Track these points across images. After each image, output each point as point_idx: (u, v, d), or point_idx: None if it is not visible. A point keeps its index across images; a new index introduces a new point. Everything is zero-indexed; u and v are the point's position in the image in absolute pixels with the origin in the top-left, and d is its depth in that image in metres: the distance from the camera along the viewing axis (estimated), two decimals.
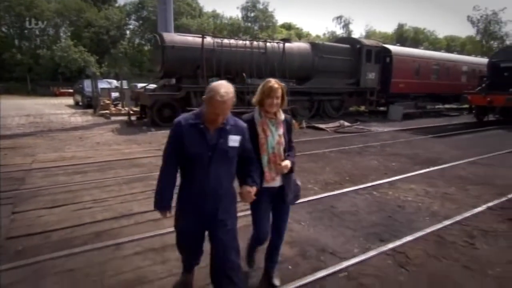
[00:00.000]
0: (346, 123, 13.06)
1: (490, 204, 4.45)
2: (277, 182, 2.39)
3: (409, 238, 3.44)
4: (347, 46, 16.04)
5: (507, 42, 37.66)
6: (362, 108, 18.18)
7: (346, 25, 55.44)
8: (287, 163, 2.35)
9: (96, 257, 2.97)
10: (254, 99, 2.37)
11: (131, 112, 13.45)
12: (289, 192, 2.43)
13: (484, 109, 15.27)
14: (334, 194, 4.86)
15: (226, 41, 12.50)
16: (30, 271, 2.75)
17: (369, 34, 58.90)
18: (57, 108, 19.28)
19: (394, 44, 21.53)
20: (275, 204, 2.50)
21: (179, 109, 11.95)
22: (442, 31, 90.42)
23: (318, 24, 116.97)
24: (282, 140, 2.37)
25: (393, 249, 3.21)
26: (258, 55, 12.75)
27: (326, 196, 4.74)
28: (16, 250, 3.09)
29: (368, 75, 16.22)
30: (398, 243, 3.33)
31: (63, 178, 5.48)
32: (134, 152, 7.65)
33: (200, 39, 11.72)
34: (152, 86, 13.75)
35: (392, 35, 59.95)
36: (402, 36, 57.83)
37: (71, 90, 28.69)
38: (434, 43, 57.28)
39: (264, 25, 52.81)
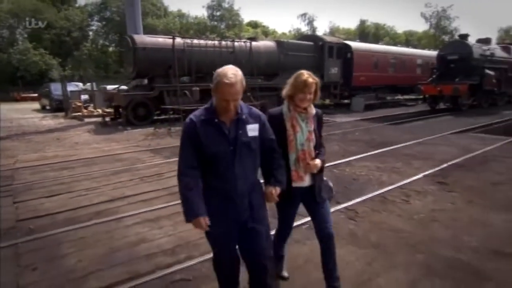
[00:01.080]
0: None
1: (426, 172, 5.40)
2: (306, 182, 2.22)
3: (358, 199, 4.27)
4: (311, 43, 17.02)
5: (456, 36, 40.61)
6: (327, 101, 19.28)
7: (310, 22, 57.01)
8: (317, 162, 2.17)
9: (102, 228, 3.54)
10: (284, 92, 2.19)
11: (104, 113, 13.68)
12: (320, 191, 2.26)
13: (435, 98, 16.79)
14: None
15: (196, 41, 13.05)
16: (47, 241, 3.29)
17: (333, 31, 60.83)
18: (24, 113, 18.96)
19: (356, 40, 22.85)
20: (307, 205, 2.33)
21: (153, 108, 12.40)
22: (401, 26, 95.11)
23: (284, 22, 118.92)
24: (313, 136, 2.20)
25: (345, 208, 4.01)
26: (226, 54, 13.39)
27: None
28: (29, 228, 3.60)
29: (331, 70, 17.29)
30: (349, 203, 4.14)
31: (52, 173, 5.89)
32: (114, 149, 8.08)
33: (170, 40, 12.19)
34: (123, 87, 14.03)
35: (354, 31, 62.30)
36: (364, 31, 60.23)
37: (35, 94, 27.92)
38: (394, 38, 60.16)
39: (230, 23, 53.24)
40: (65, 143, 9.12)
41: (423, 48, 32.75)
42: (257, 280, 2.02)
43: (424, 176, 5.25)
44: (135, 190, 4.75)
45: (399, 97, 23.35)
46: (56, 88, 19.88)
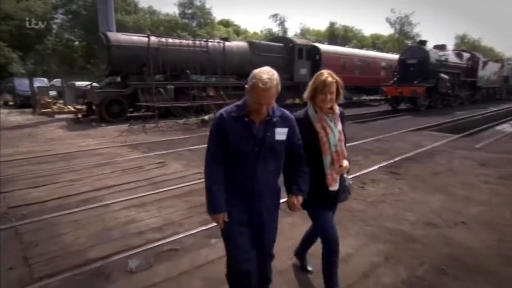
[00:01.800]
0: None
1: (381, 164, 6.13)
2: (337, 185, 2.18)
3: None
4: (281, 44, 17.71)
5: (417, 40, 43.17)
6: (297, 100, 20.06)
7: (281, 23, 58.02)
8: (346, 163, 2.13)
9: (93, 212, 3.90)
10: (305, 94, 2.15)
11: (76, 110, 13.61)
12: (342, 193, 2.23)
13: (396, 98, 18.00)
14: None
15: (170, 40, 13.32)
16: (43, 224, 3.62)
17: (303, 32, 62.18)
18: None
19: (325, 42, 23.87)
20: (333, 206, 2.31)
21: (127, 105, 12.55)
22: (368, 30, 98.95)
23: (255, 21, 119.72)
24: (342, 136, 2.16)
25: None
26: (200, 53, 13.75)
27: None
28: (22, 214, 3.89)
29: (301, 70, 18.07)
30: None
31: (31, 167, 6.07)
32: (90, 144, 8.27)
33: (145, 39, 12.42)
34: (95, 84, 14.03)
35: (324, 33, 64.04)
36: (333, 33, 62.04)
37: None
38: (361, 41, 62.43)
39: (202, 22, 53.13)
40: (38, 139, 9.15)
41: (388, 52, 34.56)
42: (259, 268, 2.04)
43: (379, 167, 5.97)
44: (119, 181, 5.09)
45: (365, 97, 24.64)
46: (20, 84, 19.32)
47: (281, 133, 1.88)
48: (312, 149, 2.07)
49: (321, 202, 2.18)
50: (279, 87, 1.79)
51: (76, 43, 44.36)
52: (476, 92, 23.63)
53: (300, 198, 1.99)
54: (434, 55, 18.39)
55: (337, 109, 2.16)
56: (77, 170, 5.77)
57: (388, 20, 48.02)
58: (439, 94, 18.30)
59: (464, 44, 53.99)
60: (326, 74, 2.07)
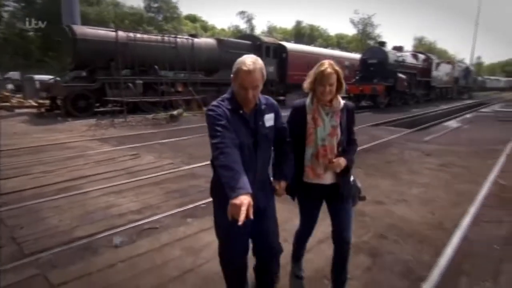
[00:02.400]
0: None
1: None
2: (326, 180, 2.09)
3: None
4: (249, 42, 18.11)
5: (379, 41, 45.30)
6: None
7: (249, 20, 58.43)
8: (340, 161, 2.00)
9: (73, 199, 4.12)
10: (305, 85, 2.06)
11: (38, 104, 13.23)
12: (345, 192, 2.11)
13: (358, 96, 19.02)
14: None
15: (139, 35, 13.30)
16: (24, 210, 3.79)
17: (271, 30, 62.90)
18: None
19: (292, 40, 24.55)
20: (329, 204, 2.21)
21: (94, 100, 12.43)
22: (333, 29, 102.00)
23: (223, 18, 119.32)
24: (338, 131, 2.04)
25: None
26: (169, 49, 13.83)
27: None
28: (1, 202, 4.02)
29: (268, 68, 18.36)
30: None
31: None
32: (59, 138, 8.24)
33: (112, 33, 12.32)
34: (58, 78, 13.72)
35: (291, 31, 65.17)
36: (300, 32, 63.31)
37: None
38: (327, 40, 64.21)
39: (168, 16, 52.25)
40: (0, 133, 8.93)
41: (352, 51, 36.01)
42: (264, 262, 2.07)
43: None
44: (94, 171, 5.28)
45: None
46: None
47: (269, 119, 1.90)
48: (300, 140, 2.05)
49: (304, 193, 2.16)
50: (264, 72, 1.78)
51: (31, 33, 42.06)
52: (430, 92, 25.40)
53: (283, 184, 1.97)
54: (392, 56, 19.61)
55: (338, 103, 2.05)
56: (49, 163, 5.86)
57: (351, 20, 49.96)
58: (397, 92, 19.56)
59: (421, 46, 57.24)
60: (326, 64, 1.96)
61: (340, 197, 2.11)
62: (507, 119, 14.59)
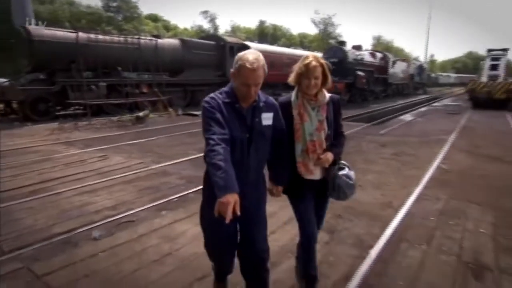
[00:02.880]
0: None
1: None
2: (316, 175, 2.08)
3: None
4: (213, 42, 18.28)
5: (339, 40, 46.99)
6: None
7: (212, 20, 58.22)
8: (328, 156, 2.01)
9: (46, 200, 4.19)
10: (290, 78, 2.04)
11: None
12: (334, 187, 2.08)
13: None
14: None
15: (100, 36, 13.07)
16: None
17: (234, 29, 63.06)
18: None
19: (256, 40, 24.94)
20: (316, 199, 2.17)
21: (54, 103, 12.10)
22: (296, 29, 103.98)
23: (185, 17, 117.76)
24: (324, 125, 2.02)
25: None
26: (132, 50, 13.72)
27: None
28: None
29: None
30: None
31: None
32: (20, 143, 8.02)
33: (72, 34, 12.05)
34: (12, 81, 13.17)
35: (254, 31, 65.70)
36: (263, 32, 64.00)
37: None
38: (290, 39, 65.39)
39: (128, 16, 50.90)
40: None
41: (314, 50, 37.10)
42: (251, 271, 2.00)
43: None
44: (64, 173, 5.32)
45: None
46: None
47: (267, 118, 1.88)
48: (288, 136, 2.02)
49: (296, 190, 2.11)
50: (266, 69, 1.78)
51: None
52: (388, 88, 26.89)
53: (280, 188, 2.04)
54: (351, 55, 20.60)
55: (324, 96, 2.04)
56: (16, 167, 5.79)
57: (312, 20, 51.25)
58: (357, 89, 20.58)
59: (379, 45, 59.94)
60: (310, 57, 1.96)
61: (329, 191, 2.10)
62: (454, 112, 15.91)
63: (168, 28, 57.93)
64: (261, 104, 1.87)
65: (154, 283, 2.48)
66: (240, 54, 1.78)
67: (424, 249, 2.95)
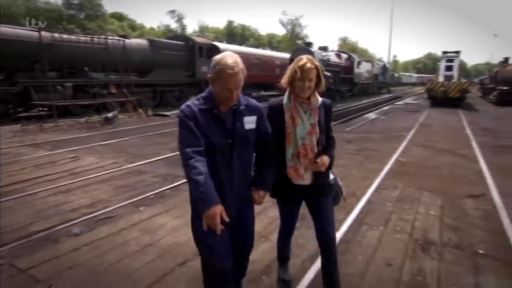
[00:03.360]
0: None
1: None
2: (306, 180, 2.04)
3: None
4: (182, 43, 18.26)
5: (307, 41, 48.11)
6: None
7: (179, 20, 57.56)
8: (324, 160, 1.97)
9: (21, 201, 4.18)
10: (283, 80, 1.99)
11: None
12: (325, 190, 2.09)
13: None
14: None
15: (65, 36, 12.74)
16: None
17: (202, 29, 62.69)
18: None
19: (224, 40, 25.07)
20: (309, 205, 2.15)
21: (15, 105, 11.68)
22: (264, 29, 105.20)
23: (152, 17, 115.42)
24: (316, 129, 1.98)
25: None
26: (99, 51, 13.48)
27: (176, 154, 6.82)
28: None
29: (202, 68, 18.89)
30: None
31: None
32: None
33: (34, 33, 11.66)
34: None
35: (223, 31, 65.68)
36: (232, 32, 64.12)
37: None
38: (258, 39, 65.96)
39: (92, 14, 49.20)
40: None
41: (283, 51, 37.79)
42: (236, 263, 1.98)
43: None
44: (34, 175, 5.28)
45: (263, 93, 26.79)
46: None
47: (250, 122, 1.83)
48: (280, 140, 1.99)
49: (285, 195, 2.12)
50: (245, 71, 1.75)
51: None
52: (354, 87, 27.99)
53: (262, 193, 1.94)
54: (318, 56, 21.29)
55: (316, 100, 1.99)
56: None
57: (280, 21, 52.11)
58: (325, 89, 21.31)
59: (345, 46, 61.85)
60: (305, 59, 1.91)
61: (321, 195, 2.07)
62: (414, 110, 16.93)
63: (134, 28, 56.66)
64: (242, 107, 1.82)
65: (138, 270, 2.66)
66: (218, 57, 1.74)
67: (381, 230, 3.33)
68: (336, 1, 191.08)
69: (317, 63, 1.93)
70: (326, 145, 2.05)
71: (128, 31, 47.69)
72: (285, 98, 2.02)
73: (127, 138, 8.55)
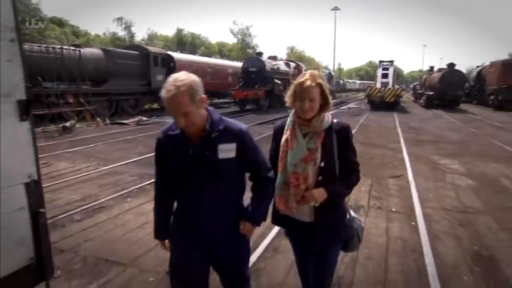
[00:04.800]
0: (144, 118, 15.76)
1: None
2: (302, 216, 1.75)
3: None
4: (136, 52, 18.58)
5: (257, 50, 49.90)
6: (155, 105, 21.18)
7: (128, 27, 56.41)
8: (314, 193, 1.64)
9: None
10: (286, 98, 1.75)
11: None
12: (325, 233, 1.73)
13: (243, 100, 21.38)
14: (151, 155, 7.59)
15: None
16: None
17: (151, 37, 61.84)
18: None
19: (174, 48, 25.52)
20: (309, 245, 1.80)
21: None
22: (214, 37, 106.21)
23: (96, 24, 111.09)
24: (316, 156, 1.66)
25: None
26: (54, 60, 13.46)
27: (146, 157, 7.43)
28: None
29: (157, 77, 19.31)
30: None
31: None
32: None
33: None
34: None
35: (172, 39, 65.31)
36: (181, 40, 63.99)
37: None
38: (208, 48, 66.53)
39: (28, 19, 46.41)
40: None
41: (234, 60, 38.97)
42: None
43: None
44: None
45: (216, 100, 27.63)
46: None
47: (226, 150, 1.57)
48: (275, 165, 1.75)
49: (288, 229, 1.91)
50: (197, 91, 1.48)
51: None
52: None
53: (248, 225, 1.70)
54: (269, 64, 22.62)
55: (321, 121, 1.69)
56: None
57: (231, 30, 53.28)
58: (275, 95, 22.66)
59: (293, 54, 64.73)
60: (307, 75, 1.67)
61: (323, 238, 1.73)
62: (356, 113, 18.80)
63: (77, 34, 54.44)
64: (215, 134, 1.56)
65: (142, 239, 3.38)
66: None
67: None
68: (283, 11, 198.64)
69: (321, 80, 1.66)
70: (340, 178, 1.71)
71: (72, 37, 45.77)
72: (289, 118, 1.78)
73: (93, 145, 8.92)
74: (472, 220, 3.86)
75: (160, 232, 1.79)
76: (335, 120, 1.76)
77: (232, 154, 1.59)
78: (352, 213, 1.87)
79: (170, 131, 1.64)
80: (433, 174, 5.86)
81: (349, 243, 1.82)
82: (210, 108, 1.64)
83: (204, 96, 1.53)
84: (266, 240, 3.30)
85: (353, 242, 1.83)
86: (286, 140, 1.72)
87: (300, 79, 1.68)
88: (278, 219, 1.87)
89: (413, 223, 3.73)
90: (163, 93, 1.45)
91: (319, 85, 1.65)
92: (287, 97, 1.73)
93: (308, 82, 1.64)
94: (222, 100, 28.03)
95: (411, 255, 3.04)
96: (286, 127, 1.77)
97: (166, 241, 1.79)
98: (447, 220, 3.84)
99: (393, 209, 4.13)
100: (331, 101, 1.71)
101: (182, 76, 1.48)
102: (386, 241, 3.32)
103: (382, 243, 3.29)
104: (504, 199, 4.60)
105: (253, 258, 2.90)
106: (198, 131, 1.56)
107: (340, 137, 1.73)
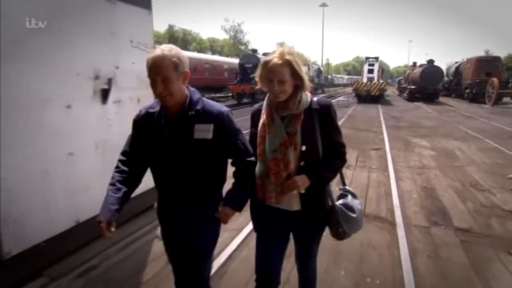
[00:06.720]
0: None
1: None
2: (287, 205, 1.59)
3: None
4: None
5: (249, 47, 51.21)
6: None
7: None
8: (297, 179, 1.48)
9: None
10: (257, 79, 1.56)
11: None
12: (314, 220, 1.63)
13: (240, 95, 22.94)
14: None
15: None
16: None
17: None
18: None
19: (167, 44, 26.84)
20: (295, 232, 1.71)
21: None
22: (205, 33, 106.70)
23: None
24: (296, 140, 1.50)
25: None
26: None
27: None
28: None
29: None
30: None
31: None
32: None
33: None
34: None
35: (164, 35, 65.85)
36: (173, 36, 64.62)
37: None
38: (200, 44, 67.31)
39: None
40: None
41: (227, 56, 40.37)
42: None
43: None
44: None
45: (214, 95, 29.11)
46: None
47: (202, 130, 1.48)
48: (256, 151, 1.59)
49: (260, 220, 1.72)
50: (183, 62, 1.42)
51: None
52: None
53: (227, 210, 1.56)
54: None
55: (298, 102, 1.52)
56: None
57: (223, 28, 54.52)
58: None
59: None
60: (276, 53, 1.47)
61: (312, 226, 1.67)
62: (345, 106, 20.60)
63: None
64: (192, 112, 1.49)
65: None
66: None
67: None
68: (272, 7, 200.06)
69: (289, 57, 1.46)
70: (323, 161, 1.56)
71: None
72: (265, 101, 1.63)
73: None
74: (426, 171, 5.63)
75: (104, 209, 1.47)
76: (314, 99, 1.59)
77: (208, 135, 1.48)
78: (340, 201, 1.70)
79: (150, 109, 1.58)
80: (405, 148, 7.63)
81: (335, 229, 1.67)
82: (192, 88, 1.57)
83: (187, 71, 1.47)
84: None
85: (338, 227, 1.65)
86: (264, 124, 1.57)
87: (267, 58, 1.51)
88: (256, 210, 1.71)
89: (386, 173, 5.46)
90: (149, 56, 1.40)
91: (288, 63, 1.45)
92: (257, 79, 1.57)
93: (275, 60, 1.45)
94: (219, 95, 29.53)
95: (382, 188, 4.76)
96: (262, 111, 1.62)
97: (104, 222, 1.43)
98: (409, 172, 5.59)
99: (373, 167, 5.87)
100: (307, 79, 1.52)
101: (171, 46, 1.45)
102: (367, 182, 5.04)
103: (365, 183, 5.00)
104: (452, 161, 6.38)
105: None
106: (177, 108, 1.49)
107: (321, 117, 1.55)
